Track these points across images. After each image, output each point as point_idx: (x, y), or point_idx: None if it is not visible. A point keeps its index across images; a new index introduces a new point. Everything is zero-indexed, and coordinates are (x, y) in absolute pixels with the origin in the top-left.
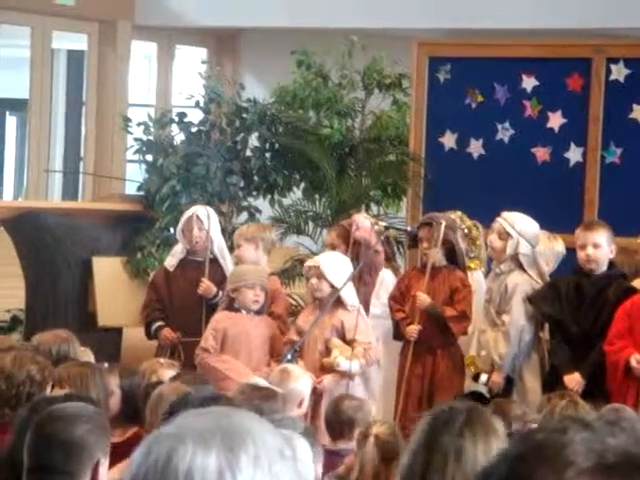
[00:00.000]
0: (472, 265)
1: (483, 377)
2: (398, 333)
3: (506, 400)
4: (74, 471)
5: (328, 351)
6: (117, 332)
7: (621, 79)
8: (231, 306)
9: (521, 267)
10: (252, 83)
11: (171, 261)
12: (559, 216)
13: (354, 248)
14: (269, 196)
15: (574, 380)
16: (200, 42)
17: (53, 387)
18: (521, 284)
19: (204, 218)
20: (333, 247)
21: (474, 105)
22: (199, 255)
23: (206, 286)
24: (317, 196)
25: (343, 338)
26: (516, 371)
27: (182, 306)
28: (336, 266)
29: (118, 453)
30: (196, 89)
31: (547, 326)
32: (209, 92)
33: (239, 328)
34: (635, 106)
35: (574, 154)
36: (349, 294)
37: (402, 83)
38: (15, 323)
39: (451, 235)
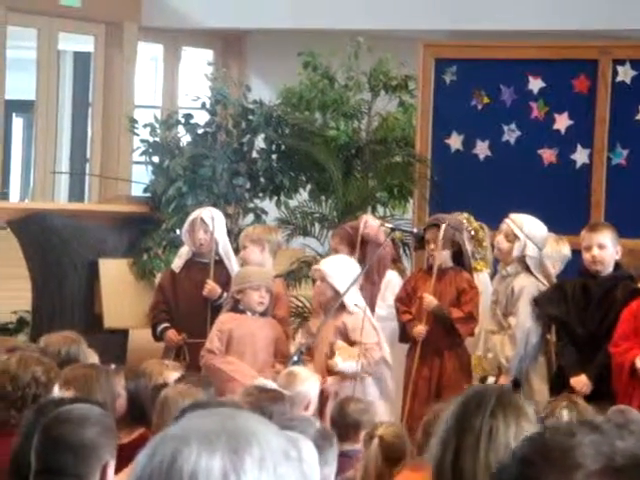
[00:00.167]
0: (478, 266)
1: (490, 380)
2: (404, 335)
3: None
4: (83, 474)
5: (333, 353)
6: (123, 334)
7: (627, 80)
8: (236, 307)
9: (527, 269)
10: (258, 85)
11: (177, 263)
12: (565, 218)
13: (362, 247)
14: (275, 198)
15: (581, 382)
16: (206, 44)
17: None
18: (527, 287)
19: (208, 220)
20: (336, 251)
21: (480, 106)
22: (204, 257)
23: (211, 287)
24: (323, 197)
25: (348, 340)
26: (523, 374)
27: (187, 307)
28: (339, 269)
29: (124, 455)
30: (202, 91)
31: (554, 328)
32: (215, 94)
33: (244, 330)
34: None
35: (580, 156)
36: (352, 296)
37: (408, 85)
38: (21, 324)
39: (458, 236)
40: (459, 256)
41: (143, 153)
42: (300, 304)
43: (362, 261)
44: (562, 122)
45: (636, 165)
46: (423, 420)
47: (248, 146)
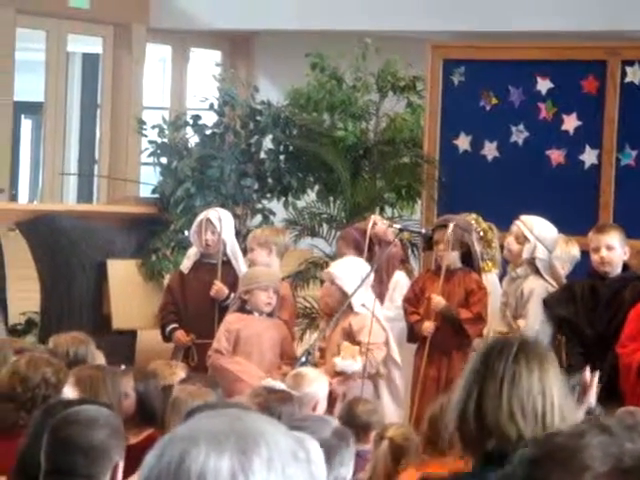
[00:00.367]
0: (486, 267)
1: None
2: (412, 335)
3: None
4: (94, 475)
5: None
6: (131, 335)
7: (636, 81)
8: (242, 308)
9: (537, 272)
10: (266, 86)
11: (186, 264)
12: (574, 219)
13: (370, 249)
14: (283, 198)
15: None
16: (214, 45)
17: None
18: (537, 289)
19: (216, 221)
20: (343, 255)
21: (488, 107)
22: (212, 257)
23: (218, 288)
24: (331, 198)
25: (353, 341)
26: None
27: (195, 308)
28: (349, 271)
29: (132, 456)
30: (210, 92)
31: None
32: (223, 95)
33: (251, 330)
34: None
35: (589, 156)
36: (359, 297)
37: (416, 85)
38: (30, 326)
39: (466, 237)
40: (467, 257)
41: (151, 154)
42: (308, 305)
43: (370, 260)
44: (570, 123)
45: None
46: (428, 413)
47: (256, 147)
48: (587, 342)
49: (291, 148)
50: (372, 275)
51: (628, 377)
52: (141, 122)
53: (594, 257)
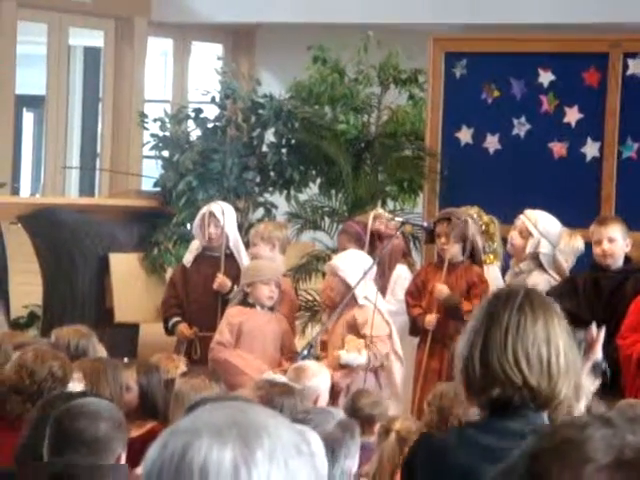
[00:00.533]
0: (488, 260)
1: None
2: (415, 328)
3: None
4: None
5: (343, 347)
6: (134, 328)
7: (638, 74)
8: (244, 301)
9: (541, 266)
10: (268, 79)
11: (188, 257)
12: (575, 211)
13: (371, 243)
14: (285, 192)
15: None
16: (216, 38)
17: None
18: (541, 284)
19: (219, 215)
20: (344, 249)
21: (490, 100)
22: (215, 250)
23: (221, 281)
24: (333, 192)
25: (358, 334)
26: None
27: (198, 301)
28: (352, 264)
29: (134, 448)
30: (212, 85)
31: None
32: (225, 88)
33: (253, 323)
34: None
35: (591, 149)
36: (362, 289)
37: (418, 78)
38: (32, 319)
39: (469, 231)
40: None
41: (153, 147)
42: (310, 298)
43: (372, 256)
44: (572, 115)
45: None
46: (428, 398)
47: (258, 140)
48: None
49: (293, 141)
50: (374, 268)
51: (628, 368)
52: (143, 115)
53: (596, 250)
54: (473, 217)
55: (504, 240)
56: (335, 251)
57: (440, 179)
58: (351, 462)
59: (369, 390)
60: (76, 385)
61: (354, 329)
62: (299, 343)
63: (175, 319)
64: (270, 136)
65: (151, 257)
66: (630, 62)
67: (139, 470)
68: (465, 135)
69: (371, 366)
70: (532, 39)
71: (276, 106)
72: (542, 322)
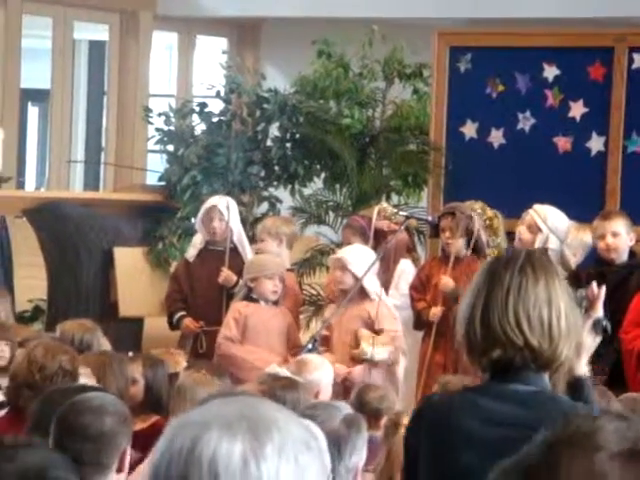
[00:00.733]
0: (491, 254)
1: None
2: (419, 322)
3: None
4: (104, 462)
5: (357, 343)
6: (138, 322)
7: None
8: (249, 296)
9: None
10: (273, 73)
11: (191, 252)
12: (580, 206)
13: (375, 238)
14: (290, 186)
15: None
16: (221, 32)
17: None
18: None
19: (223, 209)
20: (349, 243)
21: (495, 94)
22: (218, 245)
23: (226, 275)
24: (338, 186)
25: (372, 329)
26: None
27: (203, 296)
28: (359, 258)
29: (137, 442)
30: (217, 79)
31: None
32: (230, 82)
33: (258, 318)
34: None
35: (596, 143)
36: (372, 284)
37: (423, 73)
38: (37, 313)
39: (473, 225)
40: (473, 244)
41: (158, 142)
42: (314, 292)
43: (375, 249)
44: (577, 110)
45: None
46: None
47: (262, 134)
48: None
49: (298, 136)
50: (377, 263)
51: (630, 363)
52: (147, 110)
53: (600, 244)
54: (477, 211)
55: (508, 234)
56: (339, 245)
57: (445, 173)
58: (357, 457)
59: (376, 384)
60: (84, 379)
61: (368, 324)
62: (303, 338)
63: (180, 313)
64: (275, 130)
65: (156, 251)
66: (635, 56)
67: (144, 464)
68: (470, 129)
69: (390, 361)
70: (537, 33)
71: (281, 100)
72: (543, 284)
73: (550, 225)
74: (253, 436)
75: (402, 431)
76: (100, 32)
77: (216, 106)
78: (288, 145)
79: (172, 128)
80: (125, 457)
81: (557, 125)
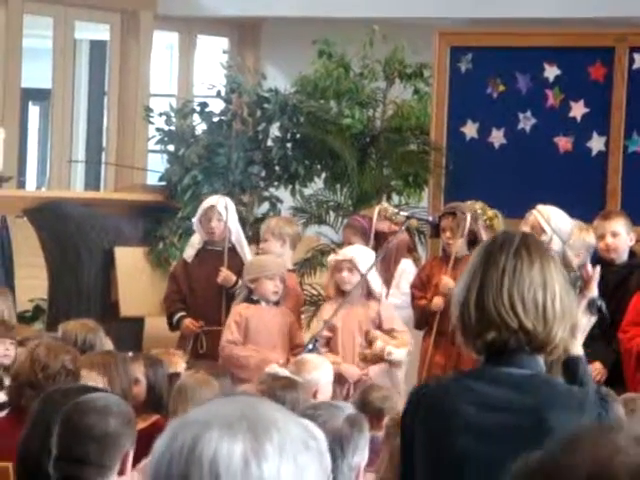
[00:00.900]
0: None
1: None
2: (420, 321)
3: None
4: (107, 463)
5: (369, 343)
6: (139, 322)
7: None
8: (249, 298)
9: None
10: (273, 73)
11: (189, 252)
12: (581, 206)
13: (375, 238)
14: (290, 186)
15: (596, 369)
16: (222, 32)
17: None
18: None
19: (222, 209)
20: (350, 243)
21: (495, 94)
22: (217, 245)
23: (225, 274)
24: (338, 186)
25: (379, 329)
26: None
27: (202, 296)
28: (367, 259)
29: (139, 441)
30: (217, 79)
31: None
32: (230, 82)
33: (260, 319)
34: None
35: (596, 143)
36: (378, 284)
37: (423, 73)
38: (38, 312)
39: (474, 225)
40: (474, 244)
41: (158, 142)
42: (315, 292)
43: (375, 250)
44: (578, 110)
45: None
46: None
47: (263, 134)
48: (593, 328)
49: (298, 136)
50: (378, 263)
51: (629, 362)
52: (148, 109)
53: (600, 244)
54: (477, 211)
55: None
56: (340, 245)
57: (445, 173)
58: (359, 457)
59: (379, 384)
60: (88, 380)
61: (375, 324)
62: (304, 338)
63: (180, 314)
64: (275, 130)
65: (156, 251)
66: (636, 56)
67: (144, 463)
68: (470, 129)
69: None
70: (537, 33)
71: (281, 100)
72: (538, 266)
73: (554, 226)
74: (253, 436)
75: None
76: (101, 32)
77: (217, 106)
78: (289, 145)
79: (173, 128)
80: (127, 459)
81: (558, 125)
